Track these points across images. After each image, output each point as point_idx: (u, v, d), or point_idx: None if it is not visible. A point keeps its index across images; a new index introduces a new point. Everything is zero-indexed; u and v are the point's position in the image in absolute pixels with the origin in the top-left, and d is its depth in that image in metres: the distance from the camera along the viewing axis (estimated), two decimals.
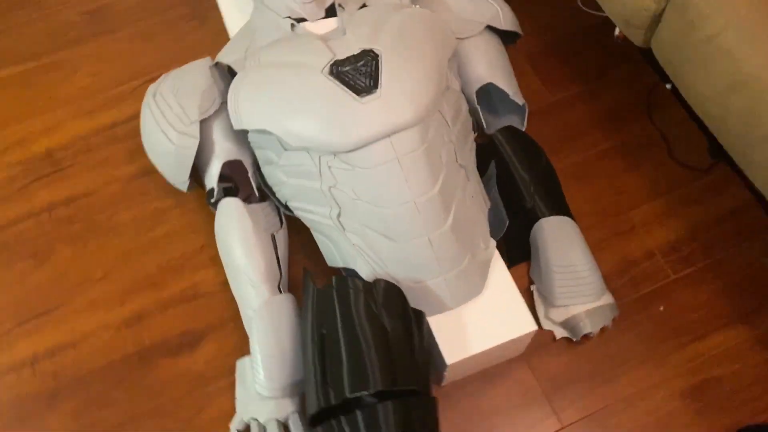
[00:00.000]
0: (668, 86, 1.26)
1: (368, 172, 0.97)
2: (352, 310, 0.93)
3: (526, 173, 1.17)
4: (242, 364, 1.05)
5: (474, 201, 1.05)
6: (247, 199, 1.15)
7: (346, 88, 0.97)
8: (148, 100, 1.16)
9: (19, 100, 1.38)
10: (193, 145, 1.11)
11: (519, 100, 1.21)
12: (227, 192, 1.15)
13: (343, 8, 1.12)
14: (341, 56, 1.00)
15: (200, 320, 1.15)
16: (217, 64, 1.17)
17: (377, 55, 0.99)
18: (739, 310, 1.12)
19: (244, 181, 1.16)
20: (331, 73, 0.98)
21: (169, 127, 1.12)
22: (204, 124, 1.12)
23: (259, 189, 1.14)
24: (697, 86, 0.98)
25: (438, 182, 0.99)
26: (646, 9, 1.01)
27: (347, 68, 0.98)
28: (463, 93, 1.19)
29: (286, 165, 1.04)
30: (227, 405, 1.07)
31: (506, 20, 1.23)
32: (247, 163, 1.14)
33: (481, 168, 1.16)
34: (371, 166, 0.97)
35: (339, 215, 1.02)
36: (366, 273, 1.02)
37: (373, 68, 0.98)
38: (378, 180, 0.98)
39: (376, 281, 0.97)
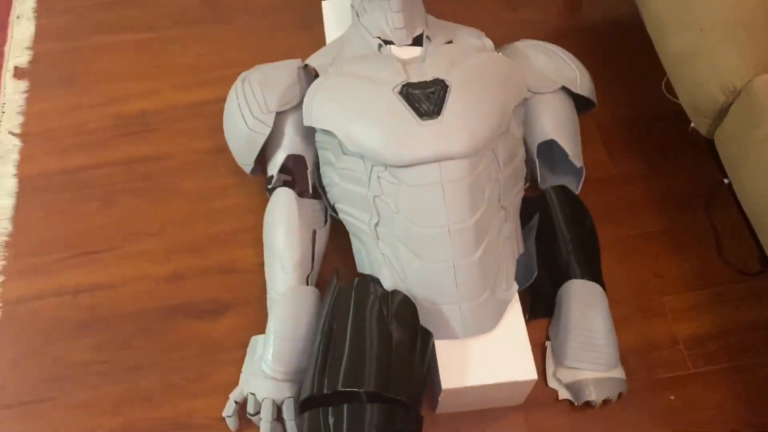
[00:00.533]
0: (726, 181, 1.25)
1: (413, 189, 1.03)
2: (365, 312, 0.98)
3: (568, 233, 1.19)
4: (255, 341, 1.11)
5: (507, 243, 1.08)
6: (301, 194, 1.22)
7: (410, 109, 1.03)
8: (237, 84, 1.26)
9: (129, 63, 1.52)
10: (265, 131, 1.20)
11: (578, 162, 1.24)
12: (285, 182, 1.23)
13: (429, 40, 1.20)
14: (414, 80, 1.07)
15: (230, 293, 1.22)
16: (305, 66, 1.27)
17: (447, 86, 1.05)
18: (750, 420, 1.09)
19: (302, 176, 1.24)
20: (401, 92, 1.05)
21: (248, 111, 1.21)
22: (280, 116, 1.21)
23: (313, 186, 1.22)
24: (750, 186, 0.99)
25: (476, 215, 1.03)
26: (715, 99, 1.03)
27: (417, 91, 1.05)
28: (526, 143, 1.24)
29: (342, 168, 1.11)
30: (232, 376, 1.12)
31: (583, 86, 1.27)
32: (309, 161, 1.22)
33: (526, 218, 1.19)
34: (416, 185, 1.03)
35: (377, 224, 1.07)
36: (388, 284, 1.06)
37: (440, 96, 1.04)
38: (420, 199, 1.03)
39: (394, 292, 1.01)
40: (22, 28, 1.58)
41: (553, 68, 1.26)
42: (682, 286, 1.22)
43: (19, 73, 1.51)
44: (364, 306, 0.98)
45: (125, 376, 1.15)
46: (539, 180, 1.26)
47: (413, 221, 1.03)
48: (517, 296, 1.08)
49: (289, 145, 1.21)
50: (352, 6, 1.28)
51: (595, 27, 1.58)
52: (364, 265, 1.12)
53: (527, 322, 1.12)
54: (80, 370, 1.15)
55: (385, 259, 1.07)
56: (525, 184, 1.20)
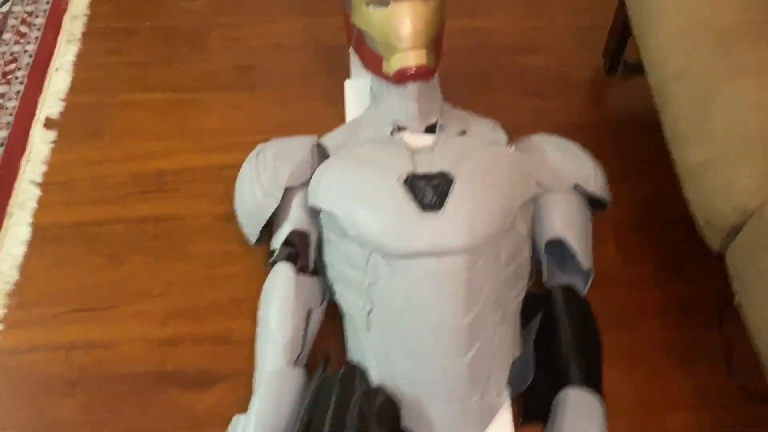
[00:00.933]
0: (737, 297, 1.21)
1: (408, 281, 1.01)
2: (346, 408, 0.96)
3: (571, 337, 1.16)
4: (237, 420, 1.09)
5: (501, 346, 1.05)
6: (302, 269, 1.21)
7: (413, 200, 1.03)
8: (252, 155, 1.28)
9: (155, 122, 1.56)
10: (273, 205, 1.20)
11: (586, 264, 1.21)
12: (289, 255, 1.23)
13: (442, 129, 1.20)
14: (420, 170, 1.06)
15: (221, 364, 1.21)
16: (319, 144, 1.28)
17: (452, 180, 1.05)
18: None
19: (304, 252, 1.23)
20: (406, 182, 1.05)
21: (258, 183, 1.22)
22: (289, 191, 1.22)
23: (314, 263, 1.21)
24: (758, 314, 0.94)
25: (470, 314, 1.01)
26: (727, 217, 1.00)
27: (421, 182, 1.05)
28: (534, 240, 1.22)
29: (341, 250, 1.11)
30: None
31: (597, 185, 1.25)
32: (313, 237, 1.21)
33: (528, 315, 1.16)
34: (412, 277, 1.01)
35: (370, 312, 1.06)
36: (376, 376, 1.04)
37: (444, 189, 1.04)
38: (414, 292, 1.01)
39: (378, 390, 0.99)
40: (59, 80, 1.64)
41: (568, 166, 1.25)
42: (687, 403, 1.17)
43: (49, 123, 1.56)
44: (345, 402, 0.96)
45: None
46: (545, 277, 1.23)
47: (405, 314, 1.01)
48: (508, 403, 1.04)
49: (294, 220, 1.22)
50: (371, 89, 1.30)
51: (618, 122, 1.57)
52: (354, 351, 1.10)
53: (520, 425, 1.08)
54: (64, 429, 1.14)
55: (374, 349, 1.05)
56: (529, 281, 1.18)
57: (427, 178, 1.05)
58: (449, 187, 1.04)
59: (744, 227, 0.99)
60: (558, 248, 1.26)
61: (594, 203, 1.29)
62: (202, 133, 1.54)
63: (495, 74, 1.67)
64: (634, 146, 1.51)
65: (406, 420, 1.00)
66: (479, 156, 1.10)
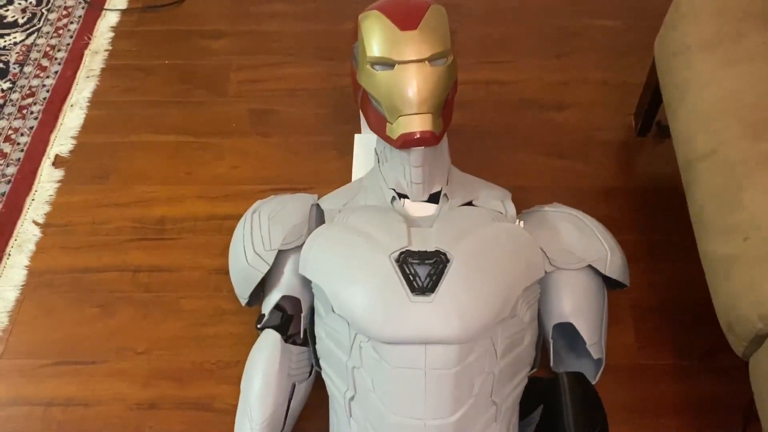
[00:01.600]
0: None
1: (393, 370, 0.94)
2: None
3: (575, 430, 1.06)
4: None
5: None
6: (291, 338, 1.15)
7: (403, 281, 0.95)
8: (248, 214, 1.23)
9: (163, 166, 1.53)
10: (263, 269, 1.14)
11: (596, 353, 1.11)
12: (280, 322, 1.16)
13: (447, 198, 1.13)
14: (415, 247, 0.99)
15: None
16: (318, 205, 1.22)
17: (448, 261, 0.97)
18: None
19: (297, 320, 1.17)
20: (398, 260, 0.97)
21: (250, 244, 1.17)
22: (282, 254, 1.16)
23: (305, 331, 1.14)
24: None
25: (458, 412, 0.92)
26: (751, 324, 0.89)
27: (415, 262, 0.97)
28: (541, 322, 1.13)
29: (329, 325, 1.04)
30: None
31: (612, 266, 1.15)
32: (305, 304, 1.15)
33: (530, 403, 1.07)
34: (397, 366, 0.93)
35: (352, 399, 0.98)
36: None
37: (439, 272, 0.96)
38: (398, 383, 0.93)
39: None
40: (73, 117, 1.63)
41: (582, 243, 1.15)
42: None
43: (58, 161, 1.54)
44: None
45: None
46: (552, 362, 1.14)
47: (388, 406, 0.93)
48: None
49: (285, 285, 1.15)
50: (375, 151, 1.23)
51: (646, 189, 1.47)
52: None
53: None
54: None
55: None
56: (533, 370, 1.08)
57: (422, 256, 0.98)
58: (444, 269, 0.96)
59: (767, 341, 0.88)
60: (568, 330, 1.16)
61: (612, 281, 1.20)
62: (209, 180, 1.50)
63: (518, 130, 1.59)
64: (662, 219, 1.40)
65: None
66: (481, 234, 1.02)
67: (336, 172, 1.49)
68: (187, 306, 1.30)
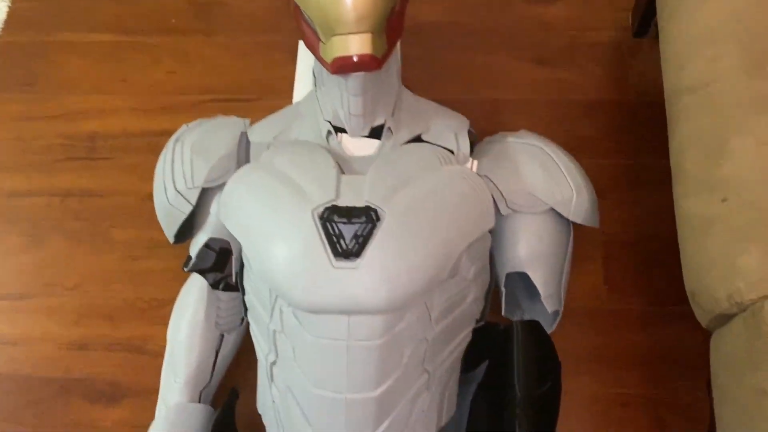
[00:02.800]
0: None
1: (312, 339, 0.84)
2: None
3: (525, 387, 0.97)
4: None
5: (422, 417, 0.89)
6: (221, 281, 1.06)
7: (326, 242, 0.83)
8: (169, 144, 1.08)
9: (94, 71, 1.37)
10: (185, 209, 1.03)
11: (551, 305, 1.01)
12: (211, 264, 1.07)
13: (392, 133, 0.98)
14: (342, 203, 0.86)
15: (132, 377, 1.10)
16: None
17: (378, 220, 0.84)
18: None
19: (228, 261, 1.07)
20: (322, 217, 0.85)
21: (171, 181, 1.04)
22: (206, 192, 1.03)
23: (236, 276, 1.05)
24: (729, 429, 0.75)
25: (383, 385, 0.84)
26: (716, 301, 0.78)
27: (341, 220, 0.84)
28: (494, 268, 1.02)
29: (252, 280, 0.94)
30: None
31: (577, 209, 1.01)
32: (235, 247, 1.04)
33: (478, 352, 0.99)
34: (318, 336, 0.84)
35: (274, 363, 0.90)
36: None
37: (366, 232, 0.83)
38: (318, 354, 0.84)
39: None
40: None
41: (545, 183, 1.01)
42: None
43: None
44: None
45: None
46: (503, 310, 1.04)
47: (308, 378, 0.85)
48: None
49: (212, 227, 1.04)
50: (313, 70, 1.06)
51: (633, 108, 1.28)
52: (260, 400, 0.96)
53: None
54: None
55: (275, 408, 0.90)
56: (479, 323, 0.99)
57: (350, 213, 0.85)
58: (373, 230, 0.83)
59: (734, 321, 0.77)
60: (524, 276, 1.06)
61: None
62: (145, 89, 1.35)
63: (500, 28, 1.38)
64: (651, 140, 1.23)
65: None
66: (421, 184, 0.88)
67: (285, 80, 1.32)
68: (120, 237, 1.21)
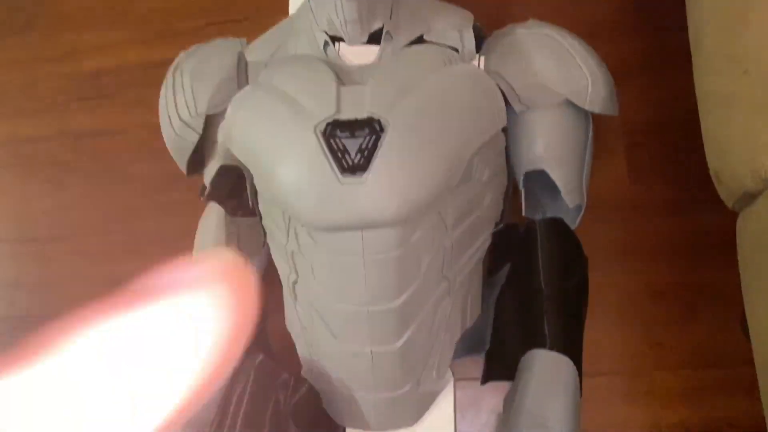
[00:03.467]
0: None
1: (329, 257, 0.85)
2: (260, 403, 0.86)
3: (548, 286, 0.97)
4: None
5: (445, 322, 0.89)
6: (240, 207, 1.06)
7: (331, 159, 0.81)
8: (169, 74, 1.06)
9: (89, 6, 1.34)
10: (193, 138, 1.02)
11: (573, 200, 0.98)
12: (230, 190, 1.07)
13: (391, 37, 0.93)
14: (344, 116, 0.83)
15: None
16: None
17: (382, 129, 0.81)
18: None
19: (243, 187, 1.07)
20: (325, 133, 0.82)
21: (175, 112, 1.02)
22: (212, 118, 1.02)
23: (253, 203, 1.05)
24: (757, 311, 0.73)
25: (404, 295, 0.84)
26: (740, 179, 0.74)
27: (344, 134, 0.82)
28: (511, 169, 1.00)
29: (266, 202, 0.94)
30: None
31: (594, 98, 0.97)
32: (247, 175, 1.03)
33: (502, 253, 0.98)
34: (334, 252, 0.84)
35: (295, 283, 0.91)
36: (301, 353, 0.92)
37: (371, 144, 0.81)
38: (336, 270, 0.85)
39: (298, 381, 0.87)
40: None
41: (558, 73, 0.96)
42: (682, 362, 1.00)
43: None
44: (260, 395, 0.86)
45: None
46: (524, 210, 1.02)
47: (329, 293, 0.86)
48: (451, 385, 0.91)
49: (222, 154, 1.03)
50: None
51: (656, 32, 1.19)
52: (288, 320, 0.98)
53: (482, 384, 0.96)
54: None
55: (301, 325, 0.92)
56: (498, 226, 0.98)
57: (352, 126, 0.82)
58: (378, 141, 0.81)
59: (758, 199, 0.73)
60: (543, 174, 1.03)
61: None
62: (140, 18, 1.31)
63: None
64: (672, 16, 1.15)
65: (333, 408, 0.90)
66: (426, 88, 0.84)
67: None
68: (138, 172, 1.21)
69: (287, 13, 1.19)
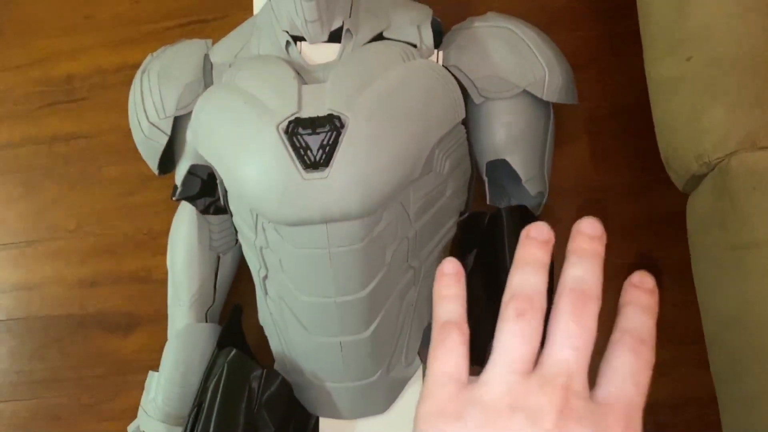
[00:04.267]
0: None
1: (296, 251, 0.87)
2: (234, 396, 0.88)
3: None
4: (151, 377, 1.04)
5: (412, 310, 0.92)
6: (211, 205, 1.08)
7: (293, 156, 0.84)
8: (137, 77, 1.08)
9: (61, 9, 1.34)
10: (162, 140, 1.03)
11: (534, 188, 1.01)
12: (198, 190, 1.09)
13: (351, 35, 0.95)
14: (305, 114, 0.85)
15: (142, 306, 1.15)
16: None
17: (342, 125, 0.84)
18: None
19: (214, 185, 1.09)
20: (287, 131, 0.85)
21: (144, 114, 1.04)
22: (180, 119, 1.04)
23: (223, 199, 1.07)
24: (704, 292, 0.76)
25: (370, 285, 0.87)
26: (686, 163, 0.77)
27: (306, 132, 0.84)
28: (474, 159, 1.02)
29: (234, 200, 0.96)
30: (137, 401, 1.08)
31: (551, 88, 0.99)
32: (217, 173, 1.05)
33: (464, 245, 1.01)
34: (299, 247, 0.86)
35: (265, 277, 0.93)
36: (274, 347, 0.95)
37: (332, 140, 0.83)
38: (303, 264, 0.87)
39: (270, 375, 0.90)
40: None
41: (516, 65, 0.98)
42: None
43: None
44: (234, 389, 0.88)
45: (36, 390, 1.13)
46: (488, 198, 1.04)
47: (296, 287, 0.88)
48: (420, 372, 0.93)
49: (191, 154, 1.05)
50: None
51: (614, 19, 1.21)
52: (260, 313, 1.00)
53: None
54: None
55: (273, 318, 0.94)
56: (462, 215, 1.00)
57: (314, 123, 0.84)
58: (339, 136, 0.83)
59: (704, 180, 0.76)
60: (506, 163, 1.05)
61: None
62: (111, 22, 1.32)
63: None
64: (632, 4, 1.18)
65: (306, 398, 0.93)
66: (384, 83, 0.86)
67: None
68: (111, 174, 1.23)
69: (252, 12, 1.20)
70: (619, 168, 1.11)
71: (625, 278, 1.02)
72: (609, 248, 1.00)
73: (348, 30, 0.95)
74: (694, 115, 0.75)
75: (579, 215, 1.05)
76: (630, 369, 0.36)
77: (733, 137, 0.70)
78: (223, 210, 1.07)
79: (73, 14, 1.34)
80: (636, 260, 1.06)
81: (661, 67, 0.82)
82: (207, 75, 1.04)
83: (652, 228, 1.07)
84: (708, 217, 0.75)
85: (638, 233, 1.07)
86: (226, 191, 1.02)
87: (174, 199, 1.07)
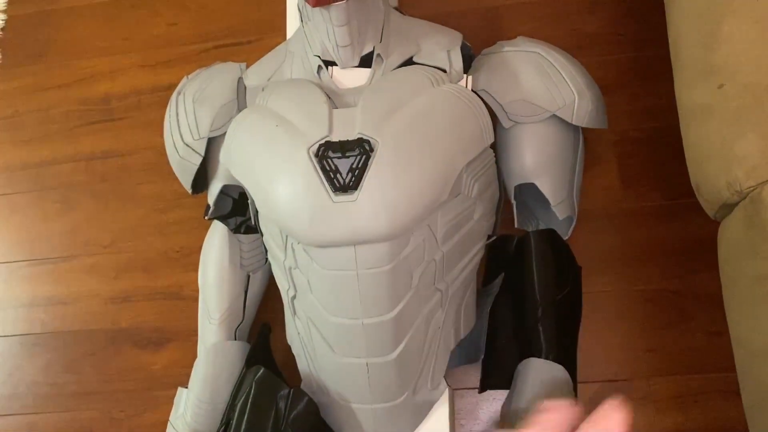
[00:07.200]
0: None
1: (325, 272, 0.88)
2: (261, 415, 0.89)
3: (542, 296, 1.00)
4: (180, 393, 1.06)
5: (439, 333, 0.92)
6: (242, 225, 1.10)
7: (323, 179, 0.85)
8: (172, 99, 1.11)
9: (99, 33, 1.39)
10: (196, 161, 1.06)
11: (563, 212, 1.01)
12: (232, 209, 1.11)
13: (382, 60, 0.97)
14: (335, 137, 0.87)
15: (174, 322, 1.17)
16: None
17: (372, 149, 0.85)
18: None
19: (246, 205, 1.11)
20: (317, 154, 0.86)
21: (179, 135, 1.07)
22: (214, 140, 1.06)
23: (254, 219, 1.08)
24: (736, 323, 0.75)
25: (398, 307, 0.87)
26: (718, 190, 0.77)
27: (335, 155, 0.86)
28: (502, 183, 1.03)
29: (265, 220, 0.97)
30: (166, 416, 1.10)
31: (581, 113, 0.99)
32: (249, 194, 1.07)
33: (497, 263, 1.01)
34: (328, 268, 0.87)
35: (294, 298, 0.95)
36: (301, 367, 0.96)
37: (361, 164, 0.85)
38: (331, 285, 0.88)
39: (296, 393, 0.91)
40: None
41: (545, 90, 0.99)
42: (677, 367, 1.02)
43: None
44: (261, 407, 0.89)
45: (68, 402, 1.15)
46: (516, 221, 1.05)
47: (325, 308, 0.89)
48: (446, 395, 0.93)
49: (224, 174, 1.07)
50: (297, 6, 1.04)
51: (644, 43, 1.22)
52: (288, 333, 1.01)
53: (479, 393, 0.99)
54: (26, 390, 1.17)
55: (300, 339, 0.95)
56: (490, 239, 1.01)
57: (343, 147, 0.86)
58: (368, 160, 0.84)
59: (735, 210, 0.76)
60: (534, 187, 1.05)
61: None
62: (148, 44, 1.36)
63: None
64: (659, 29, 1.18)
65: (332, 419, 0.93)
66: (413, 108, 0.88)
67: (283, 16, 1.31)
68: (145, 192, 1.26)
69: (285, 35, 1.23)
70: (648, 193, 1.11)
71: (652, 303, 1.02)
72: (639, 274, 1.01)
73: (378, 55, 0.96)
74: (725, 142, 0.75)
75: (608, 240, 1.05)
76: None
77: (766, 166, 0.70)
78: (254, 229, 1.09)
79: (112, 36, 1.38)
80: (668, 286, 1.05)
81: (693, 93, 0.81)
82: (241, 97, 1.07)
83: (684, 255, 1.06)
84: (739, 245, 0.74)
85: (666, 259, 1.06)
86: (257, 211, 1.04)
87: (206, 218, 1.10)
